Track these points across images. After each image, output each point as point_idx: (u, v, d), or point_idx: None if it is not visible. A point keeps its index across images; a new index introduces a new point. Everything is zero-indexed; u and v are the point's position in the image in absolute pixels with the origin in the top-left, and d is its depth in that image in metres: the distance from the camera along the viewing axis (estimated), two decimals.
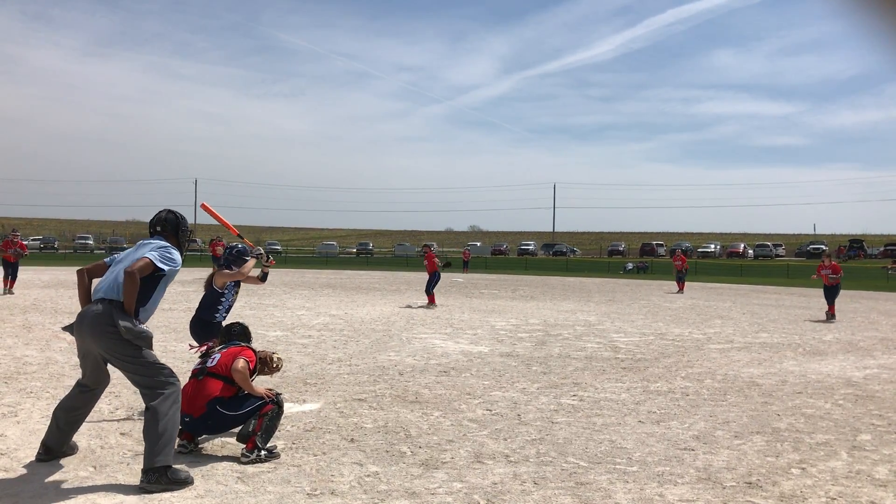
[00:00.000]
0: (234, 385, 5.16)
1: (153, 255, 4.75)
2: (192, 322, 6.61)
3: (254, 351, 5.44)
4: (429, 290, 18.36)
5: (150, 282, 4.75)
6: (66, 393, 5.04)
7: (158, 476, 4.37)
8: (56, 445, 4.89)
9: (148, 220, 5.32)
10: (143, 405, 4.70)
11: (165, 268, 4.79)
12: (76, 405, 4.90)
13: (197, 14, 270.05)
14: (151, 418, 4.50)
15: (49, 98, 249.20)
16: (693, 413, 6.74)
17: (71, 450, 5.00)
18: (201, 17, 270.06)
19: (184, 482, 4.43)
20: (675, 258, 27.95)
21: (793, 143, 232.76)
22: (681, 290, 26.81)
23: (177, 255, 4.93)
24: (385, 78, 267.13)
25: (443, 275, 28.28)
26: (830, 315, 16.46)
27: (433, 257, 18.91)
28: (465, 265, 43.76)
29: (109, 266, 4.92)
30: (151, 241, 4.98)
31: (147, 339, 4.64)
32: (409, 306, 17.81)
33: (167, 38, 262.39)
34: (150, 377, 4.61)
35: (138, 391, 4.71)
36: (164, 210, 5.22)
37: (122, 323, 4.52)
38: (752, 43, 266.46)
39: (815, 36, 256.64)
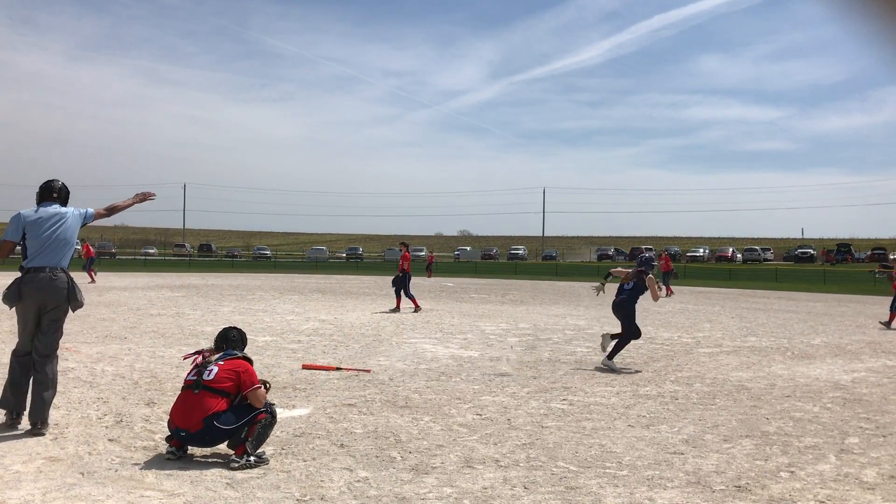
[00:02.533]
0: (230, 396, 5.11)
1: (81, 220, 6.06)
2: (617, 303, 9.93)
3: (250, 362, 5.38)
4: (409, 293, 18.10)
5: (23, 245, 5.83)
6: (13, 373, 5.77)
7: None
8: (21, 408, 5.70)
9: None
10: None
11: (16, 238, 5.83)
12: (29, 369, 5.75)
13: (184, 19, 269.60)
14: (55, 366, 5.78)
15: (36, 102, 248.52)
16: (682, 417, 6.76)
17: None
18: (189, 22, 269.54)
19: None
20: (659, 259, 27.72)
21: (780, 148, 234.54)
22: (668, 293, 26.47)
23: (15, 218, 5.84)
24: (374, 83, 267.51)
25: (433, 279, 28.17)
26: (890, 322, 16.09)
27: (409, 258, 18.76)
28: (429, 268, 43.13)
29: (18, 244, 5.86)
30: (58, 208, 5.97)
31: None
32: (392, 312, 17.78)
33: (155, 42, 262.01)
34: (56, 338, 5.87)
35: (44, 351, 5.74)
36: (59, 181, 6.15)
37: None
38: (738, 48, 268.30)
39: (802, 41, 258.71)
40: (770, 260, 78.89)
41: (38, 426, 5.55)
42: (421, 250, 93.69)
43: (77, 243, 8.45)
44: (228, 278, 34.70)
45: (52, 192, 6.00)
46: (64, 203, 6.07)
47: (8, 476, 4.62)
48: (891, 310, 16.26)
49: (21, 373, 5.74)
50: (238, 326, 5.79)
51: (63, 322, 5.91)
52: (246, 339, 5.65)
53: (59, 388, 6.09)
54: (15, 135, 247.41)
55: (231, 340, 5.49)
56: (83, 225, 6.18)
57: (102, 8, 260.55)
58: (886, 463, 5.37)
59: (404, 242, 19.40)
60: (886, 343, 13.02)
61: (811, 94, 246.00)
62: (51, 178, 6.09)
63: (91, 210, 6.27)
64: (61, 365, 6.58)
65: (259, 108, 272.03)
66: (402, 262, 18.36)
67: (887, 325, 16.14)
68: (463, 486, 4.63)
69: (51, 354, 5.77)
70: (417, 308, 17.85)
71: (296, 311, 17.05)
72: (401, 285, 18.07)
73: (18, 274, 5.78)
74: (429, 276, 40.67)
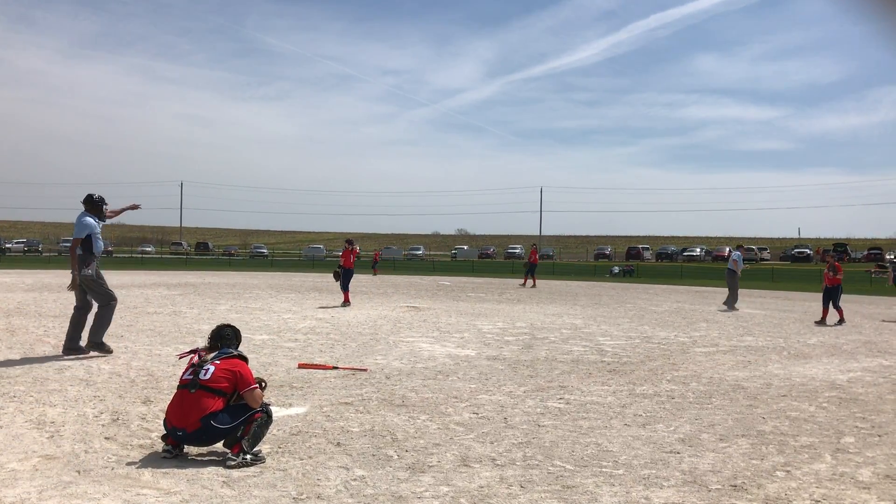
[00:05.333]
0: (227, 395, 5.11)
1: (76, 232, 9.42)
2: None
3: (246, 360, 5.38)
4: (346, 287, 18.87)
5: (86, 242, 9.40)
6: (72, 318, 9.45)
7: (101, 346, 9.41)
8: (76, 343, 9.32)
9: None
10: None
11: (82, 233, 9.37)
12: (81, 320, 9.45)
13: (181, 17, 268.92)
14: (106, 316, 9.54)
15: (32, 100, 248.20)
16: (678, 416, 6.77)
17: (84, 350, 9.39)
18: (185, 20, 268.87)
19: (108, 351, 9.48)
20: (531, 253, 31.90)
21: (777, 148, 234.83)
22: (525, 283, 30.37)
23: (87, 219, 9.43)
24: (370, 81, 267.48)
25: (430, 277, 28.06)
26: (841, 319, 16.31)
27: (354, 254, 19.36)
28: (374, 266, 41.97)
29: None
30: (79, 217, 9.59)
31: (87, 278, 9.36)
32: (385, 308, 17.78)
33: (151, 40, 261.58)
34: (102, 296, 9.54)
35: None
36: (88, 193, 9.69)
37: (83, 271, 9.35)
38: (735, 48, 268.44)
39: (798, 41, 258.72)
40: (767, 259, 79.01)
41: (93, 347, 9.44)
42: (418, 249, 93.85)
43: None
44: (225, 276, 34.67)
45: (100, 207, 9.70)
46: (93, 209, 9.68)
47: (4, 474, 4.62)
48: (824, 305, 16.72)
49: (74, 320, 9.47)
50: (232, 324, 5.79)
51: (95, 289, 9.60)
52: (240, 336, 5.66)
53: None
54: (11, 132, 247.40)
55: (225, 338, 5.49)
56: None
57: (98, 5, 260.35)
58: (882, 462, 5.38)
59: (349, 240, 19.82)
60: (882, 343, 13.05)
61: (808, 94, 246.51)
62: (94, 197, 9.63)
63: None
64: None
65: (256, 107, 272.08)
66: (343, 258, 19.23)
67: (822, 322, 16.31)
68: (459, 485, 4.63)
69: (102, 300, 9.65)
70: (346, 303, 18.57)
71: (293, 310, 17.03)
72: (345, 279, 18.91)
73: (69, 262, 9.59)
74: (375, 274, 39.50)
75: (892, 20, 1.84)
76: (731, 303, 20.20)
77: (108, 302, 9.53)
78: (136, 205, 10.64)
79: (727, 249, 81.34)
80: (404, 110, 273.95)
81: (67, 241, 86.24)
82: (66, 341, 9.36)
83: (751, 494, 4.58)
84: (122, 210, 10.55)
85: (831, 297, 16.58)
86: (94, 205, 9.64)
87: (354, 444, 5.52)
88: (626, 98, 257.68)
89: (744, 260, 21.32)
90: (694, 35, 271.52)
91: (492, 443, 5.67)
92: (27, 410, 6.30)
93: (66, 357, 9.22)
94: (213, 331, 5.61)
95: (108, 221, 10.08)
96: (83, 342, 9.45)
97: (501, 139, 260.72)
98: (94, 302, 9.58)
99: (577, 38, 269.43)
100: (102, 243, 9.65)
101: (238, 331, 5.67)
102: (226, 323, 5.81)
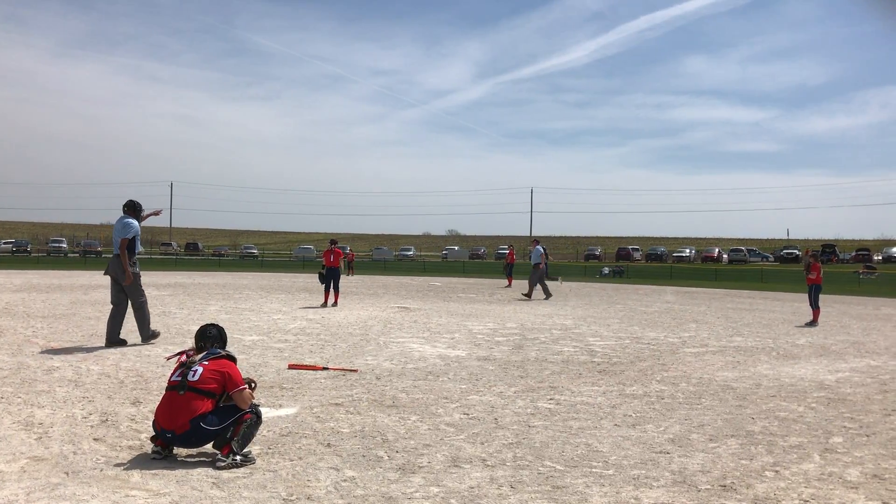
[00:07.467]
0: (216, 396, 5.09)
1: (123, 233, 10.37)
2: None
3: (234, 360, 5.36)
4: (336, 287, 19.11)
5: (131, 243, 10.39)
6: (111, 314, 10.47)
7: (152, 335, 10.59)
8: (116, 336, 10.30)
9: None
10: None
11: (130, 234, 10.38)
12: (119, 315, 10.40)
13: (170, 16, 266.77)
14: (143, 311, 10.57)
15: (21, 99, 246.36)
16: (668, 416, 6.79)
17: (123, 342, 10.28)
18: (175, 20, 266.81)
19: (157, 335, 10.73)
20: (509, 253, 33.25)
21: (765, 149, 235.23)
22: (510, 284, 31.30)
23: (132, 222, 10.48)
24: (361, 82, 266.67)
25: (421, 278, 28.07)
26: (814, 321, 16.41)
27: (335, 253, 19.52)
28: (349, 266, 40.86)
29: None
30: (122, 219, 10.57)
31: (133, 276, 10.42)
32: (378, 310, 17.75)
33: (140, 40, 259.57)
34: (136, 295, 10.52)
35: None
36: (129, 199, 10.78)
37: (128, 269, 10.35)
38: (723, 49, 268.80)
39: (786, 43, 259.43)
40: (758, 260, 79.36)
41: (143, 341, 10.58)
42: (409, 249, 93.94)
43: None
44: (215, 277, 34.56)
45: (138, 213, 10.77)
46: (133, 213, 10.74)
47: None
48: (813, 307, 16.72)
49: (110, 315, 10.56)
50: (217, 323, 5.77)
51: (130, 288, 10.57)
52: (225, 335, 5.64)
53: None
54: (1, 132, 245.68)
55: (210, 338, 5.47)
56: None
57: (87, 5, 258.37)
58: (870, 462, 5.42)
59: (333, 240, 19.94)
60: (870, 343, 13.13)
61: (796, 96, 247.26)
62: (135, 202, 10.72)
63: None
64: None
65: (246, 107, 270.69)
66: (330, 258, 19.35)
67: (812, 323, 16.35)
68: (450, 486, 4.64)
69: (135, 300, 10.64)
70: (326, 303, 18.90)
71: (283, 311, 16.99)
72: (333, 279, 19.12)
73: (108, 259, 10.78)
74: (350, 274, 38.91)
75: (889, 20, 1.85)
76: (528, 294, 22.88)
77: (139, 300, 10.55)
78: (159, 210, 11.80)
79: (716, 250, 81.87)
80: (395, 111, 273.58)
81: (57, 241, 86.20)
82: (107, 335, 10.39)
83: (740, 494, 4.60)
84: (148, 215, 11.26)
85: (811, 296, 16.82)
86: (134, 209, 10.66)
87: (345, 445, 5.52)
88: (616, 99, 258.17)
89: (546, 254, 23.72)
90: (683, 37, 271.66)
91: (482, 443, 5.67)
92: (15, 412, 6.26)
93: (108, 349, 10.09)
94: (197, 331, 5.60)
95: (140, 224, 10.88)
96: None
97: (492, 140, 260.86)
98: (127, 299, 10.56)
99: (567, 39, 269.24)
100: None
101: (223, 330, 5.65)
102: (210, 322, 5.78)
